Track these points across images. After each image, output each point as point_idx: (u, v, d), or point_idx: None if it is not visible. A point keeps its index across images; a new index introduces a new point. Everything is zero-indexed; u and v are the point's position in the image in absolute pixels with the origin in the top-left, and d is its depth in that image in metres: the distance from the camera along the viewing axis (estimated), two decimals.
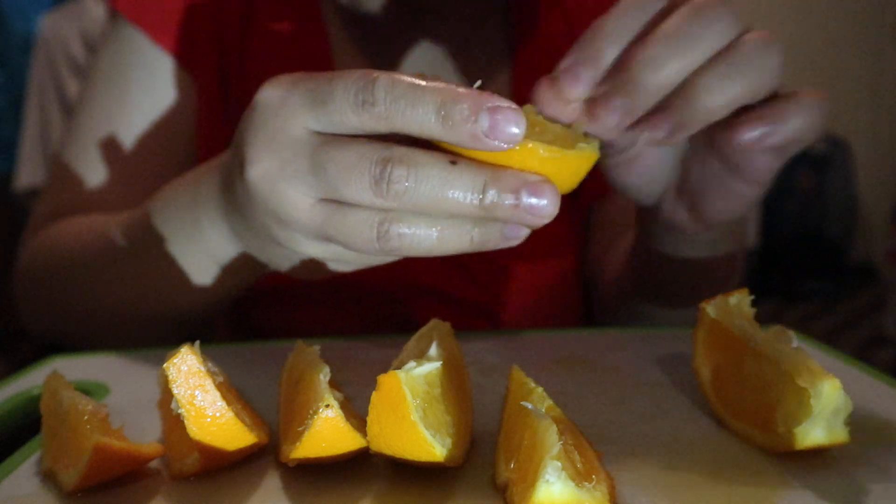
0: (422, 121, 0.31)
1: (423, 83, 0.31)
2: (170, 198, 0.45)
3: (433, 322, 0.37)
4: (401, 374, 0.28)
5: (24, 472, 0.32)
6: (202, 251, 0.43)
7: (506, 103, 0.30)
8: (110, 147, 0.59)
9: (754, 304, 0.36)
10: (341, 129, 0.32)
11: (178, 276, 0.45)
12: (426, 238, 0.32)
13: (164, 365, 0.31)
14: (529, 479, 0.26)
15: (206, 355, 0.33)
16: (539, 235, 0.64)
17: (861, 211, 3.28)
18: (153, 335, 0.51)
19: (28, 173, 1.98)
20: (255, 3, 0.62)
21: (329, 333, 0.59)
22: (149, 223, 0.45)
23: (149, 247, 0.46)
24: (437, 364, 0.31)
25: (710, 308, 0.36)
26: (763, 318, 0.37)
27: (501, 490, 0.29)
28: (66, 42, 1.93)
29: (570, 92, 0.34)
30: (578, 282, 0.68)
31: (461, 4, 0.63)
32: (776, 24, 3.24)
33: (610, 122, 0.34)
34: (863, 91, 3.25)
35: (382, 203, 0.31)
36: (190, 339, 0.33)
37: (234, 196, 0.38)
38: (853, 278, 3.22)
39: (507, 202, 0.31)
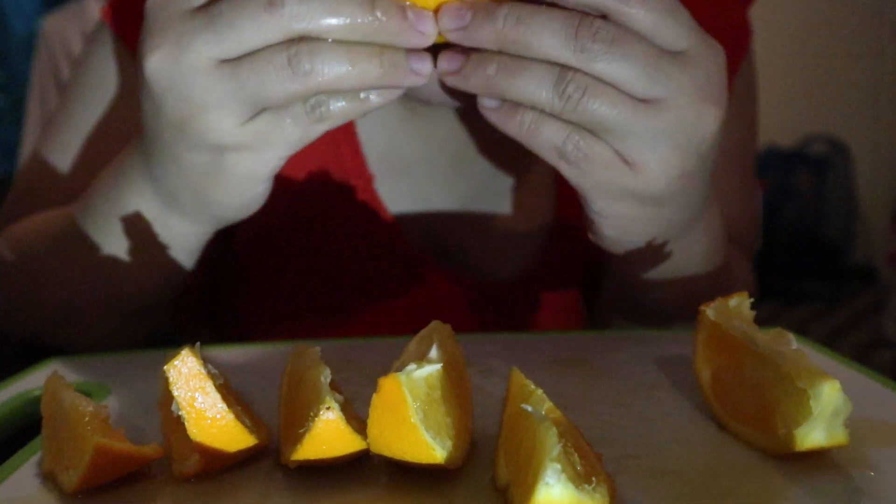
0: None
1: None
2: (98, 184, 0.46)
3: (434, 324, 0.36)
4: (401, 376, 0.28)
5: (25, 474, 0.33)
6: (134, 225, 0.43)
7: None
8: (85, 151, 0.58)
9: (753, 306, 0.36)
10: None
11: (120, 256, 0.46)
12: (335, 55, 0.33)
13: (165, 367, 0.31)
14: (529, 481, 0.26)
15: (207, 357, 0.33)
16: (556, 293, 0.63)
17: (861, 213, 3.28)
18: (120, 329, 0.52)
19: None
20: None
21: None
22: (85, 212, 0.46)
23: (90, 234, 0.46)
24: (438, 366, 0.31)
25: (710, 310, 0.36)
26: (762, 320, 0.37)
27: (501, 492, 0.29)
28: (68, 43, 1.92)
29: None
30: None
31: None
32: (776, 26, 3.24)
33: (449, 23, 0.34)
34: (863, 93, 3.25)
35: (280, 25, 0.33)
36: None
37: (149, 134, 0.38)
38: (853, 280, 3.22)
39: (394, 17, 0.33)
